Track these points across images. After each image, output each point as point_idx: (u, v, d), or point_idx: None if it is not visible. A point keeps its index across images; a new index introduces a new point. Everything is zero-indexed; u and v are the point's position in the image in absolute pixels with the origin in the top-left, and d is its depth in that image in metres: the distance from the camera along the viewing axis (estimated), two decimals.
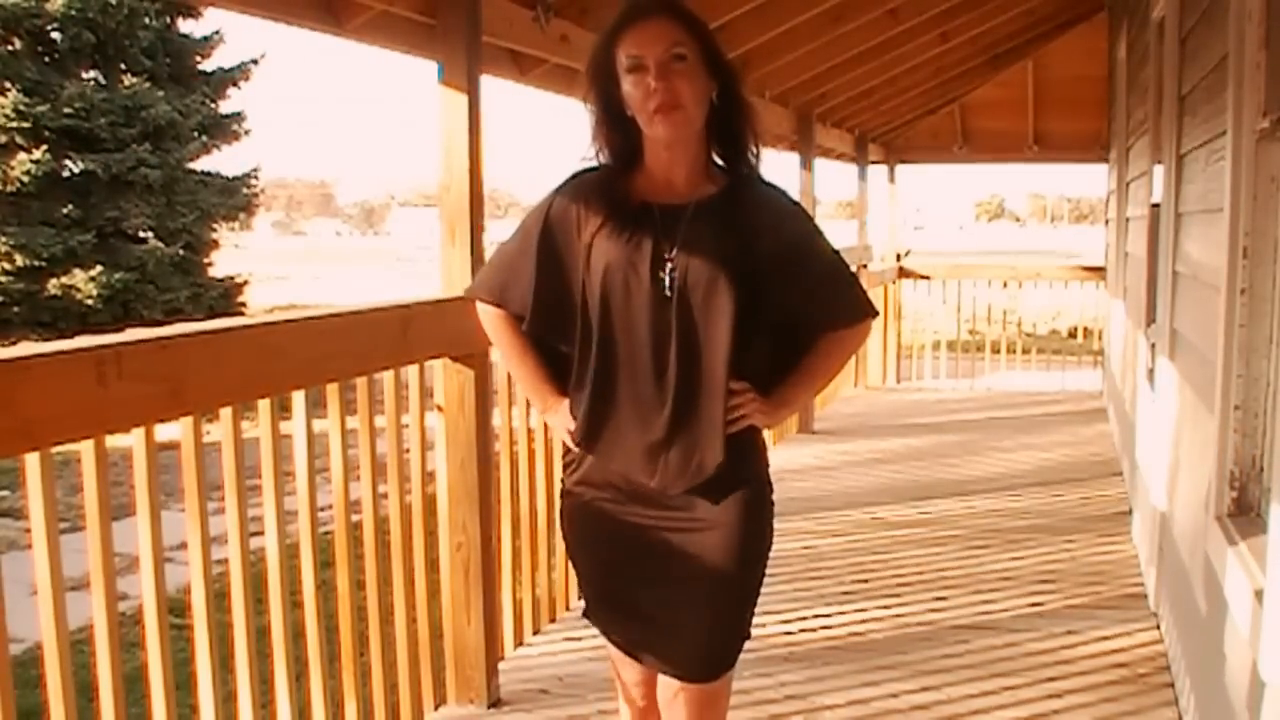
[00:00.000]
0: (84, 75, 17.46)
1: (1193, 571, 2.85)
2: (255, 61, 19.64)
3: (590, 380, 1.92)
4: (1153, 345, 4.22)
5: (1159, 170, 4.15)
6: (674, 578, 1.96)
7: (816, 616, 3.84)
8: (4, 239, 16.45)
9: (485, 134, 3.08)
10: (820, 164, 7.53)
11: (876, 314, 2.06)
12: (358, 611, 2.73)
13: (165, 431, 2.13)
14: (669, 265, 1.87)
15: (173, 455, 2.25)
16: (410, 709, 2.98)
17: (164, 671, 2.15)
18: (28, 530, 1.95)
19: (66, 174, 17.13)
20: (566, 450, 2.04)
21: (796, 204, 2.03)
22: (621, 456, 1.93)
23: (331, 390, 2.65)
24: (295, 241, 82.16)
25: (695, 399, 1.87)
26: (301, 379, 2.50)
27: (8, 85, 16.34)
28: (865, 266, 8.63)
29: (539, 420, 3.63)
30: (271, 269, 34.31)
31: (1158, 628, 3.65)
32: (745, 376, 1.90)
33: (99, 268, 16.92)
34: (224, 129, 19.45)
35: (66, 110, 16.62)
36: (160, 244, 17.76)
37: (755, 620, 2.05)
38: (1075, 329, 11.47)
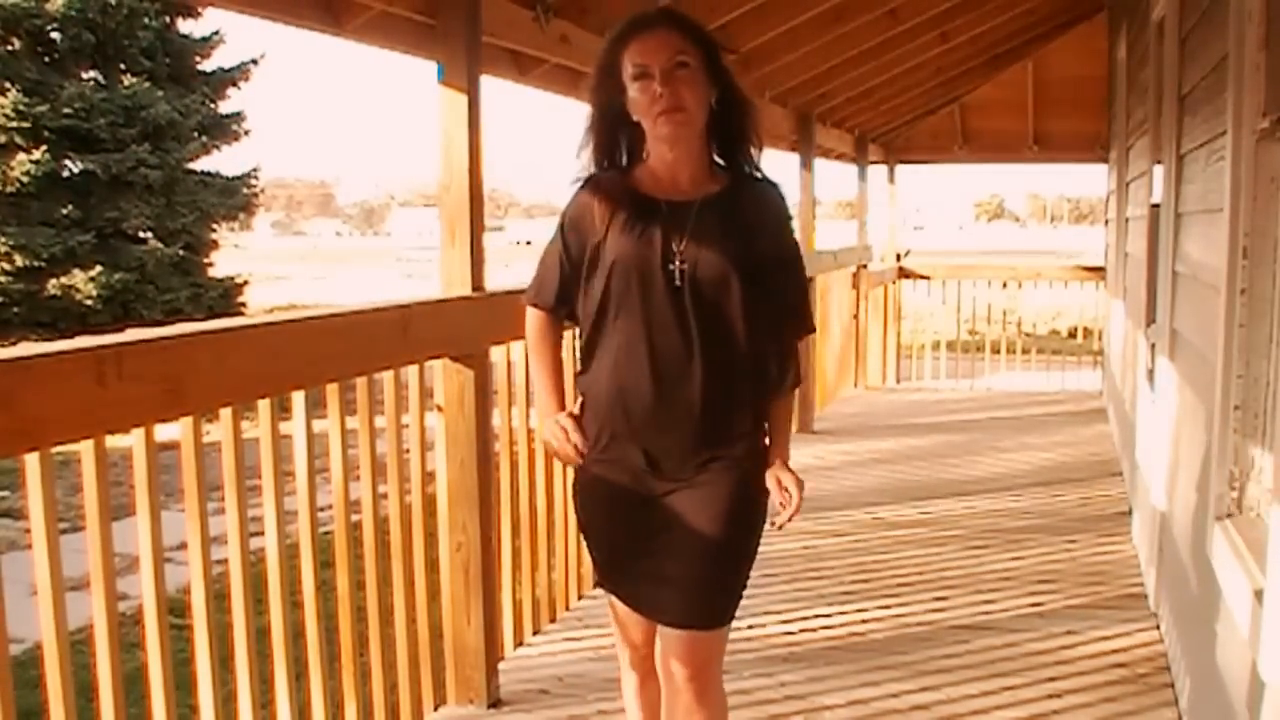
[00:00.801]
0: (84, 75, 17.46)
1: (1193, 571, 2.85)
2: (255, 61, 19.63)
3: (609, 365, 2.07)
4: (1153, 345, 4.22)
5: (1159, 170, 4.15)
6: (675, 534, 2.10)
7: (816, 616, 3.84)
8: (4, 239, 16.45)
9: (485, 134, 3.08)
10: (820, 164, 7.54)
11: (813, 330, 2.29)
12: (357, 612, 2.73)
13: (165, 431, 2.13)
14: (678, 257, 2.02)
15: (173, 455, 2.25)
16: (410, 709, 2.98)
17: (164, 671, 2.15)
18: (28, 530, 1.95)
19: (66, 174, 17.13)
20: (586, 420, 2.15)
21: (785, 206, 2.18)
22: (638, 432, 2.07)
23: (331, 390, 2.65)
24: (295, 241, 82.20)
25: (706, 378, 2.02)
26: (301, 379, 2.50)
27: (8, 85, 16.34)
28: (865, 266, 8.64)
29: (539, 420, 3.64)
30: (271, 269, 34.33)
31: (1158, 628, 3.65)
32: (745, 355, 2.06)
33: (99, 268, 16.91)
34: (224, 129, 19.44)
35: (66, 110, 16.61)
36: (160, 244, 17.76)
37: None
38: (1075, 329, 11.47)
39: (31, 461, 1.88)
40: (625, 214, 2.05)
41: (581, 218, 2.09)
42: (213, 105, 19.29)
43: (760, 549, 2.28)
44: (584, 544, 3.94)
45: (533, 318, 2.24)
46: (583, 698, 3.22)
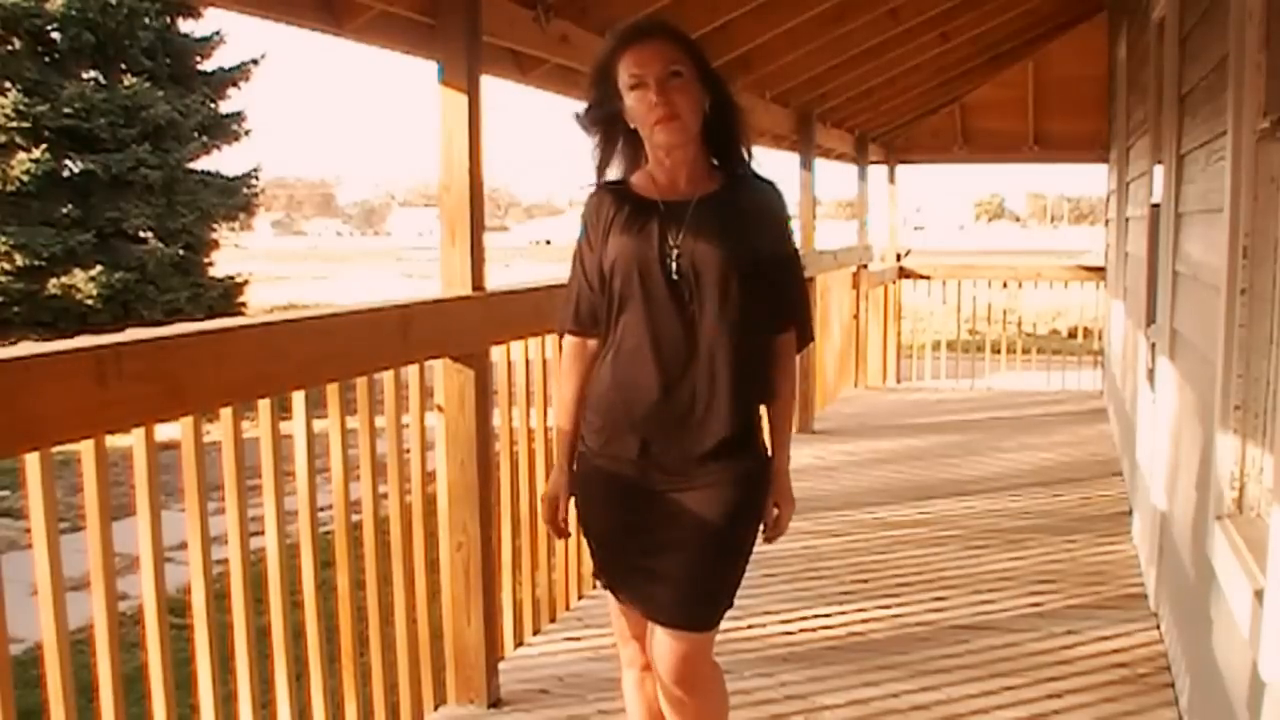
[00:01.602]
0: (84, 75, 17.44)
1: (1193, 571, 2.85)
2: (255, 61, 19.63)
3: (612, 360, 2.13)
4: (1153, 345, 4.22)
5: (1159, 170, 4.15)
6: (673, 532, 2.14)
7: (816, 616, 3.84)
8: (4, 239, 16.44)
9: (485, 134, 3.08)
10: (820, 164, 7.53)
11: (811, 339, 2.31)
12: (358, 611, 2.73)
13: (165, 431, 2.13)
14: (675, 252, 2.08)
15: (173, 455, 2.25)
16: (410, 709, 2.98)
17: (164, 671, 2.15)
18: (28, 530, 1.95)
19: (66, 174, 17.12)
20: (590, 415, 2.20)
21: (784, 206, 2.24)
22: (637, 424, 2.12)
23: (331, 390, 2.65)
24: (295, 241, 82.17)
25: (707, 371, 2.08)
26: (301, 379, 2.50)
27: (8, 85, 16.33)
28: (865, 266, 8.63)
29: (540, 420, 3.64)
30: (271, 269, 34.32)
31: (1158, 628, 3.65)
32: (745, 350, 2.10)
33: (99, 268, 16.91)
34: (224, 129, 19.43)
35: (66, 110, 16.61)
36: (160, 244, 17.75)
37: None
38: (1075, 329, 11.47)
39: (31, 461, 1.88)
40: (624, 215, 2.13)
41: (589, 223, 2.19)
42: (213, 105, 19.28)
43: (761, 549, 2.29)
44: (582, 543, 3.95)
45: (571, 346, 2.26)
46: (583, 698, 3.22)
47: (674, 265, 2.08)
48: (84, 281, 16.82)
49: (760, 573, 4.14)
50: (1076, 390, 8.71)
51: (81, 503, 1.99)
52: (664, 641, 2.17)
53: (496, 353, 3.32)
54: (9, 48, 16.63)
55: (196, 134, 18.73)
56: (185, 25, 18.71)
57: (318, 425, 2.59)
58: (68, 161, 17.04)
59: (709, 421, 2.09)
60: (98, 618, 2.02)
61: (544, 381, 3.64)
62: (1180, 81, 3.56)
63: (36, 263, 16.63)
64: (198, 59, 19.09)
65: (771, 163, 2.27)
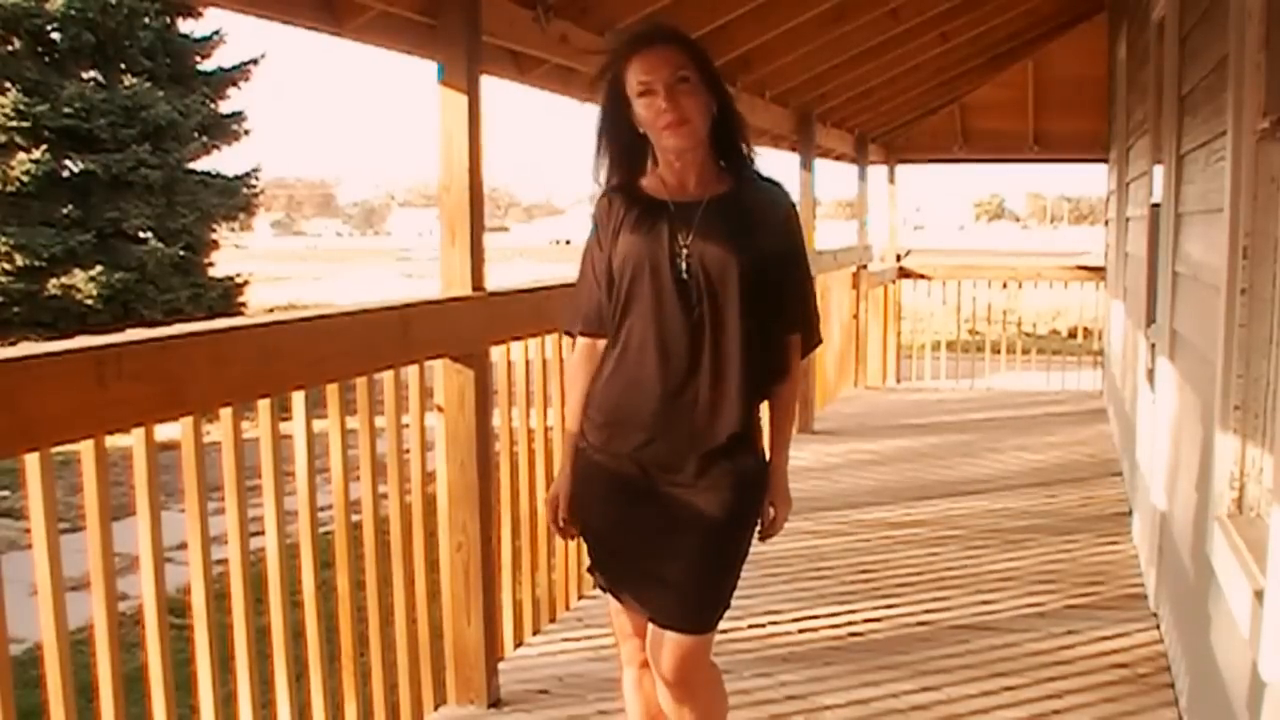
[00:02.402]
0: (84, 75, 17.44)
1: (1193, 571, 2.85)
2: (255, 61, 19.62)
3: (618, 358, 2.16)
4: (1153, 345, 4.22)
5: (1159, 170, 4.15)
6: (671, 532, 2.16)
7: (816, 616, 3.84)
8: (4, 239, 16.44)
9: (485, 134, 3.08)
10: (820, 164, 7.53)
11: (818, 342, 2.33)
12: (358, 612, 2.73)
13: (165, 431, 2.13)
14: (684, 252, 2.11)
15: (173, 455, 2.25)
16: (410, 709, 2.98)
17: (164, 671, 2.15)
18: (28, 530, 1.95)
19: (66, 174, 17.12)
20: (593, 411, 2.21)
21: (793, 208, 2.28)
22: (641, 422, 2.14)
23: (331, 390, 2.65)
24: (295, 241, 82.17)
25: (712, 370, 2.11)
26: (301, 379, 2.50)
27: (8, 85, 16.33)
28: (865, 266, 8.63)
29: (540, 420, 3.65)
30: (271, 269, 34.31)
31: (1158, 628, 3.65)
32: (752, 350, 2.13)
33: (99, 268, 16.90)
34: (224, 129, 19.43)
35: (66, 110, 16.61)
36: (160, 244, 17.74)
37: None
38: (1075, 329, 11.46)
39: (31, 461, 1.88)
40: (635, 215, 2.16)
41: (600, 224, 2.21)
42: (213, 105, 19.28)
43: (760, 549, 2.29)
44: (582, 544, 3.95)
45: (582, 347, 2.27)
46: (583, 698, 3.22)
47: (683, 265, 2.11)
48: (84, 282, 16.82)
49: (760, 573, 4.14)
50: (1076, 390, 8.71)
51: (81, 503, 1.99)
52: (662, 643, 2.18)
53: (496, 353, 3.32)
54: (9, 48, 16.63)
55: (196, 134, 18.73)
56: (185, 25, 18.71)
57: (318, 425, 2.59)
58: (68, 162, 17.04)
59: (713, 422, 2.11)
60: (98, 618, 2.02)
61: (544, 381, 3.64)
62: (1180, 81, 3.56)
63: (36, 263, 16.62)
64: (198, 59, 19.08)
65: (772, 163, 2.30)
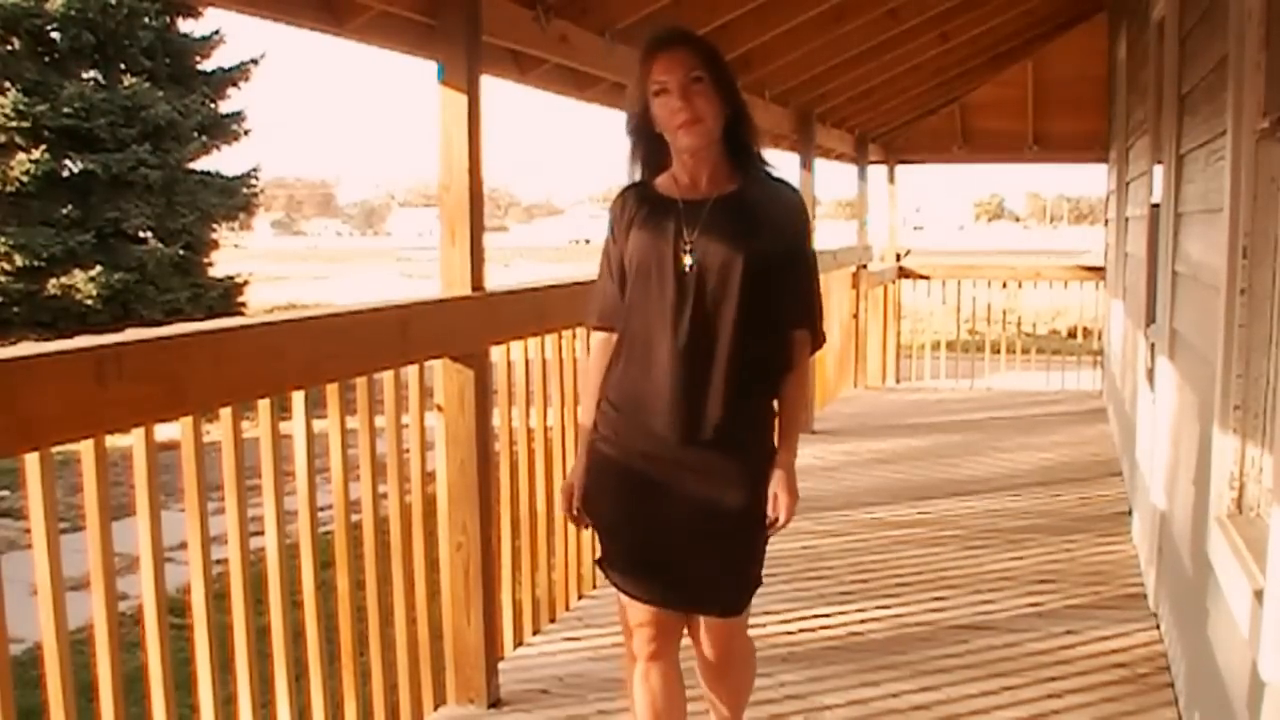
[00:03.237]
0: (84, 75, 17.45)
1: (1193, 571, 2.85)
2: (255, 61, 19.63)
3: (626, 352, 2.25)
4: (1152, 345, 4.22)
5: (1159, 170, 4.15)
6: (693, 529, 2.23)
7: (816, 616, 3.84)
8: (4, 239, 16.44)
9: (485, 134, 3.08)
10: (820, 164, 7.53)
11: (822, 339, 2.37)
12: (357, 612, 2.73)
13: (165, 431, 2.13)
14: (689, 248, 2.18)
15: (173, 455, 2.25)
16: (410, 709, 2.98)
17: (164, 671, 2.15)
18: (28, 530, 1.95)
19: (66, 174, 17.12)
20: (604, 403, 2.29)
21: (802, 207, 2.33)
22: (647, 414, 2.21)
23: (331, 390, 2.65)
24: (295, 241, 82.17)
25: (706, 363, 2.17)
26: (301, 379, 2.50)
27: (8, 85, 16.33)
28: (865, 266, 8.63)
29: (540, 420, 3.65)
30: (271, 269, 34.31)
31: (1158, 628, 3.65)
32: (754, 346, 2.19)
33: (99, 268, 16.91)
34: (224, 129, 19.43)
35: (66, 110, 16.61)
36: (160, 244, 17.75)
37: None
38: (1075, 329, 11.47)
39: (31, 461, 1.88)
40: (645, 212, 2.24)
41: (615, 221, 2.30)
42: (213, 105, 19.28)
43: None
44: (582, 543, 3.96)
45: (599, 341, 2.36)
46: (583, 698, 3.22)
47: (688, 260, 2.17)
48: (84, 282, 16.82)
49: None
50: (1076, 390, 8.71)
51: (81, 503, 1.99)
52: (701, 627, 2.33)
53: (496, 353, 3.32)
54: (9, 48, 16.63)
55: (196, 134, 18.72)
56: (185, 25, 18.72)
57: (318, 425, 2.59)
58: (68, 161, 17.04)
59: (716, 414, 2.17)
60: (98, 618, 2.02)
61: (544, 381, 3.64)
62: (1180, 81, 3.56)
63: (36, 263, 16.63)
64: (198, 59, 19.09)
65: (772, 163, 2.36)
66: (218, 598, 2.30)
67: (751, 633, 2.51)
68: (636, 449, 2.24)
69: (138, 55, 17.71)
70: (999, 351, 9.39)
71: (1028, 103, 8.69)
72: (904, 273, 9.41)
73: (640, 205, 2.25)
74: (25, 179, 16.47)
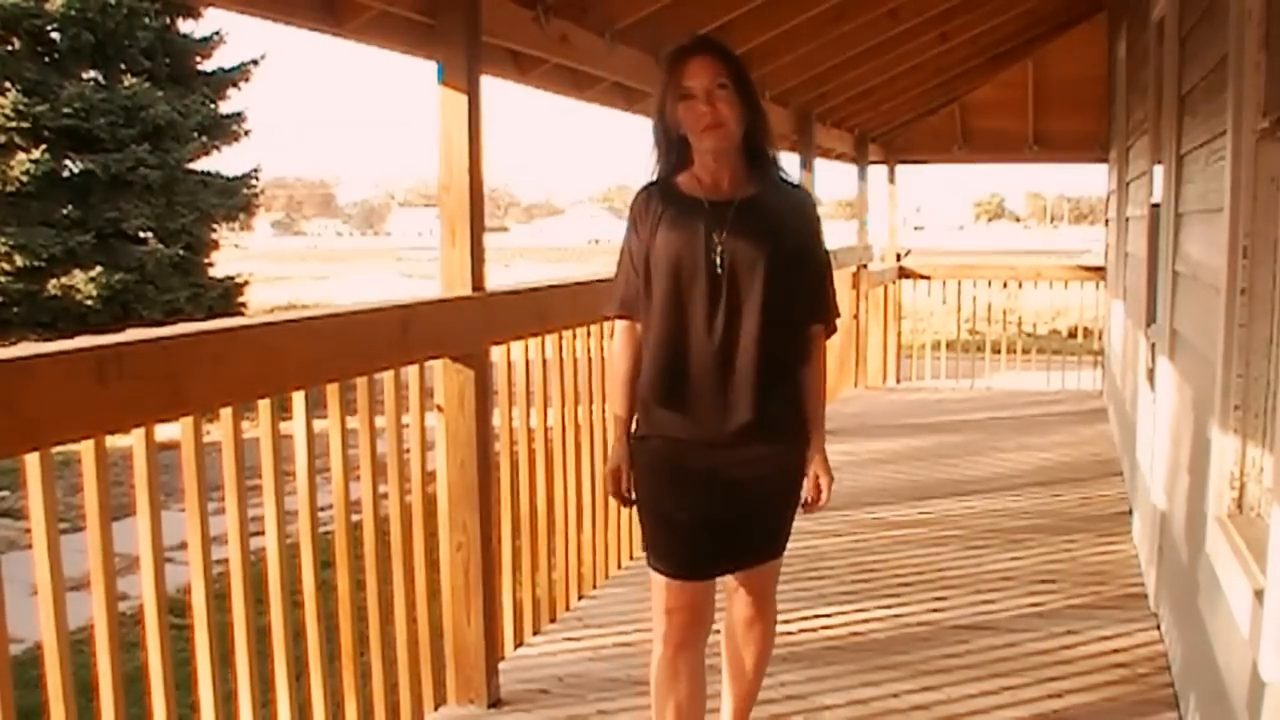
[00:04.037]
0: (84, 75, 17.46)
1: (1193, 571, 2.85)
2: (255, 61, 19.64)
3: (657, 342, 2.35)
4: (1153, 345, 4.22)
5: (1159, 170, 4.15)
6: (740, 503, 2.39)
7: (816, 616, 3.84)
8: (4, 239, 16.45)
9: (485, 134, 3.08)
10: (820, 164, 7.53)
11: (834, 330, 2.52)
12: (358, 611, 2.73)
13: (165, 431, 2.13)
14: (719, 248, 2.31)
15: (173, 455, 2.25)
16: (410, 709, 2.98)
17: (164, 671, 2.15)
18: (28, 530, 1.95)
19: (66, 174, 17.13)
20: (644, 396, 2.41)
21: (815, 210, 2.50)
22: (688, 405, 2.34)
23: (331, 390, 2.65)
24: (295, 241, 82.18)
25: (737, 356, 2.31)
26: (302, 379, 2.50)
27: (8, 85, 16.34)
28: (865, 266, 8.63)
29: (540, 420, 3.65)
30: (271, 269, 34.32)
31: (1158, 628, 3.65)
32: (780, 338, 2.34)
33: (99, 268, 16.91)
34: (224, 129, 19.44)
35: (66, 110, 16.62)
36: (160, 244, 17.76)
37: None
38: (1075, 329, 11.47)
39: (31, 461, 1.88)
40: (673, 211, 2.36)
41: (638, 217, 2.40)
42: (213, 105, 19.29)
43: None
44: (582, 543, 3.96)
45: (622, 329, 2.48)
46: (583, 698, 3.22)
47: (718, 260, 2.30)
48: (84, 282, 16.83)
49: None
50: (1076, 390, 8.71)
51: (81, 503, 1.99)
52: (744, 580, 2.51)
53: (496, 353, 3.32)
54: (9, 48, 16.64)
55: (196, 134, 18.74)
56: (185, 25, 18.73)
57: (318, 425, 2.59)
58: (67, 162, 17.05)
59: (753, 401, 2.31)
60: (98, 618, 2.02)
61: (544, 381, 3.64)
62: (1180, 81, 3.56)
63: (36, 263, 16.64)
64: (197, 59, 19.10)
65: (785, 167, 2.48)
66: (218, 598, 2.30)
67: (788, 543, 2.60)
68: (682, 438, 2.37)
69: (138, 55, 17.72)
70: (999, 351, 9.39)
71: (1028, 103, 8.69)
72: (904, 273, 9.41)
73: (666, 203, 2.36)
74: (25, 179, 16.48)
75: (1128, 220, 6.00)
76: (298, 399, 2.54)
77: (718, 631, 2.60)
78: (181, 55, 18.64)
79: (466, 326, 3.09)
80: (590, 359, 3.95)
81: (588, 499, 3.99)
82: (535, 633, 3.65)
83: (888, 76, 7.03)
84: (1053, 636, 3.63)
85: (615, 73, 4.29)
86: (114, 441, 2.01)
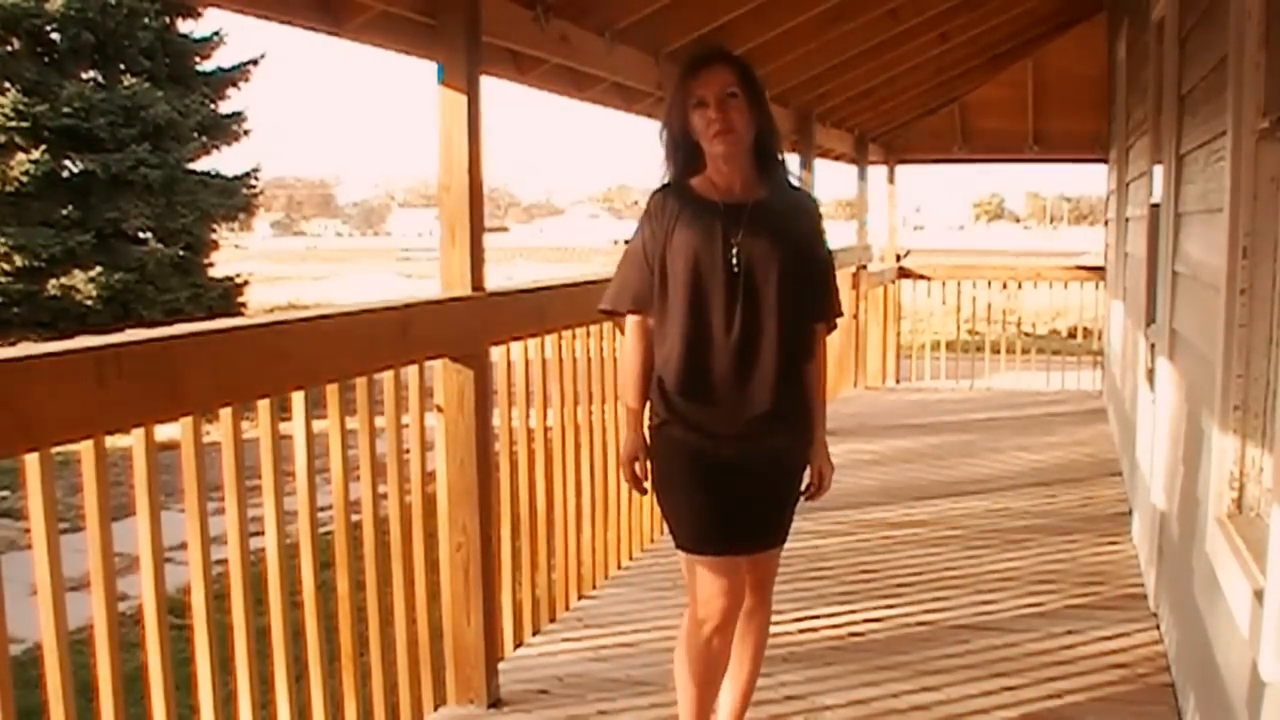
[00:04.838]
0: (83, 75, 17.46)
1: (1193, 571, 2.85)
2: (255, 61, 19.64)
3: (677, 340, 2.44)
4: (1152, 345, 4.22)
5: (1159, 170, 4.15)
6: (758, 489, 2.50)
7: (816, 616, 3.84)
8: (4, 239, 16.45)
9: (485, 134, 3.08)
10: (820, 164, 7.53)
11: (835, 327, 2.65)
12: (357, 612, 2.73)
13: (165, 431, 2.13)
14: (735, 249, 2.42)
15: (173, 455, 2.25)
16: (410, 709, 2.98)
17: (164, 671, 2.15)
18: (28, 530, 1.95)
19: (66, 174, 17.13)
20: (664, 391, 2.49)
21: (819, 212, 2.62)
22: (709, 399, 2.44)
23: (331, 390, 2.65)
24: (295, 241, 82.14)
25: (757, 352, 2.42)
26: (301, 379, 2.50)
27: (7, 85, 16.34)
28: (865, 267, 8.63)
29: (540, 420, 3.65)
30: (271, 269, 34.33)
31: (1158, 628, 3.65)
32: (790, 335, 2.44)
33: (99, 268, 16.91)
34: (224, 129, 19.44)
35: (66, 110, 16.62)
36: (160, 244, 17.76)
37: None
38: (1075, 329, 11.46)
39: (31, 461, 1.88)
40: (690, 212, 2.45)
41: (654, 217, 2.49)
42: (213, 105, 19.29)
43: None
44: (582, 543, 3.96)
45: (634, 324, 2.56)
46: (583, 698, 3.22)
47: (734, 260, 2.41)
48: (84, 282, 16.83)
49: None
50: (1076, 390, 8.71)
51: (81, 503, 1.99)
52: (756, 560, 2.58)
53: (496, 353, 3.32)
54: (9, 48, 16.64)
55: (196, 134, 18.74)
56: (185, 25, 18.72)
57: (317, 425, 2.59)
58: (67, 161, 17.05)
59: (770, 395, 2.42)
60: (98, 618, 2.02)
61: (544, 381, 3.64)
62: (1180, 81, 3.56)
63: (36, 263, 16.63)
64: (197, 59, 19.10)
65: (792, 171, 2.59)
66: (218, 598, 2.30)
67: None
68: (704, 430, 2.46)
69: (137, 55, 17.71)
70: (999, 352, 9.39)
71: (1028, 102, 8.69)
72: (904, 273, 9.41)
73: (682, 205, 2.46)
74: (25, 179, 16.48)
75: (1127, 220, 6.00)
76: (297, 399, 2.54)
77: None
78: (181, 55, 18.64)
79: (466, 326, 3.09)
80: (590, 359, 3.95)
81: (587, 499, 4.00)
82: (535, 633, 3.65)
83: (888, 76, 7.03)
84: (1052, 636, 3.63)
85: (615, 73, 4.29)
86: (114, 441, 2.01)
